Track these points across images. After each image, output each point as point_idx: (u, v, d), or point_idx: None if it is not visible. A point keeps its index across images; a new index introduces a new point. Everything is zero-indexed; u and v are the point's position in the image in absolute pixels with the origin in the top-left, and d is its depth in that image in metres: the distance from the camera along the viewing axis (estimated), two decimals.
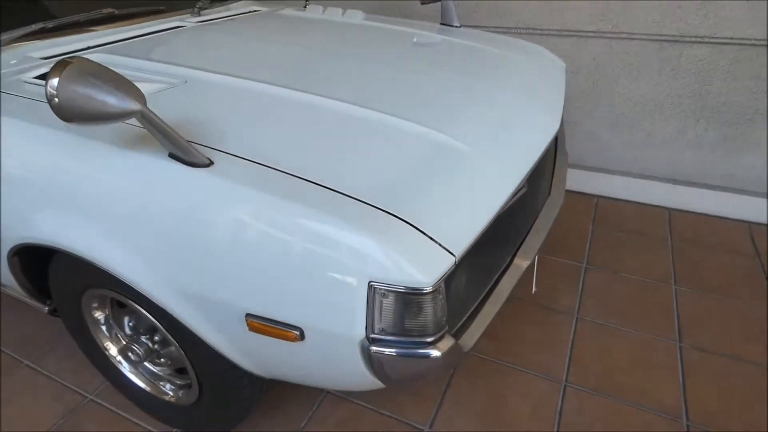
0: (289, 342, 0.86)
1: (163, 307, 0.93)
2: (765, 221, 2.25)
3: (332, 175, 0.86)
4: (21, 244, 1.06)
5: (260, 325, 0.86)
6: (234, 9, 1.95)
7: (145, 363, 1.33)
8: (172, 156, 0.88)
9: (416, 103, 1.13)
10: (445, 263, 0.79)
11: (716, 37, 2.05)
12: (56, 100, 0.75)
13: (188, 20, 1.70)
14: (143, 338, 1.25)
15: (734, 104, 2.14)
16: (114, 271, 0.93)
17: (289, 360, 0.91)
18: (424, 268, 0.77)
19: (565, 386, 1.46)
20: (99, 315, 1.27)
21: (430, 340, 0.82)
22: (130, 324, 1.27)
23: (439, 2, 2.03)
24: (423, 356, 0.81)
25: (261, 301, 0.84)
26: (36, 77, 1.16)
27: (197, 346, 1.03)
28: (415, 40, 1.66)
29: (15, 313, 1.77)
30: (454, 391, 1.45)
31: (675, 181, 2.37)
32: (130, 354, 1.25)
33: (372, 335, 0.81)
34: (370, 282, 0.77)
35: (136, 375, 1.33)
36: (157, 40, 1.46)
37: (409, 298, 0.77)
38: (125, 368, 1.33)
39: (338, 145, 0.96)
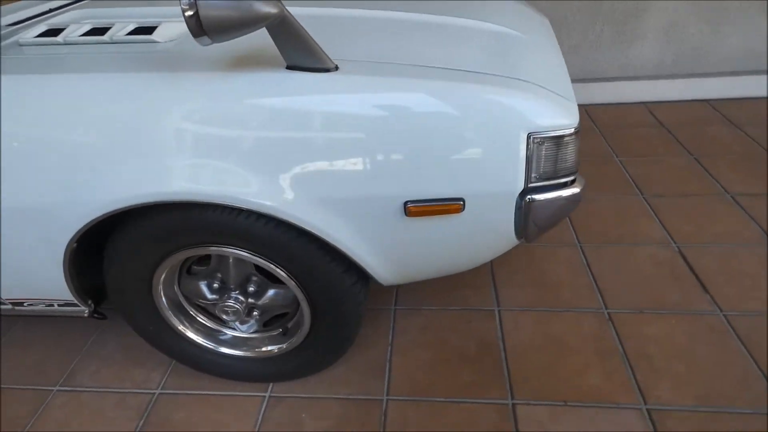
0: (450, 216, 0.93)
1: (308, 226, 0.93)
2: (658, 99, 2.76)
3: (449, 62, 0.94)
4: (106, 213, 0.95)
5: (422, 208, 0.92)
6: None
7: (236, 324, 1.28)
8: (291, 68, 0.88)
9: (462, 10, 1.24)
10: (575, 109, 0.93)
11: None
12: (193, 12, 0.72)
13: None
14: (232, 296, 1.20)
15: (622, 5, 2.57)
16: (253, 204, 0.90)
17: (441, 240, 0.99)
18: (568, 114, 0.90)
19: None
20: (170, 291, 1.19)
21: (572, 178, 0.96)
22: (215, 285, 1.21)
23: None
24: (571, 194, 0.95)
25: (422, 185, 0.90)
26: (39, 35, 1.02)
27: (316, 275, 1.04)
28: None
29: (7, 350, 1.53)
30: (502, 277, 1.62)
31: (585, 80, 2.77)
32: (221, 318, 1.20)
33: (529, 185, 0.92)
34: (529, 134, 0.87)
35: (227, 345, 1.28)
36: None
37: (561, 141, 0.90)
38: (212, 343, 1.28)
39: (429, 42, 1.03)
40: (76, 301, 1.19)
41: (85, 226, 0.97)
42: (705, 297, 1.48)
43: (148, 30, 1.02)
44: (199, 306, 1.28)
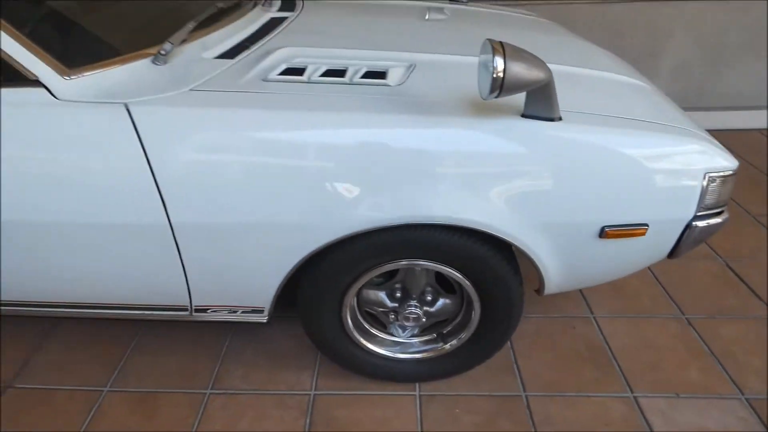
0: (634, 237, 1.14)
1: (520, 244, 1.11)
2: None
3: (625, 111, 1.15)
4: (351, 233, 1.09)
5: (617, 231, 1.12)
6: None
7: (396, 330, 1.43)
8: (525, 116, 1.06)
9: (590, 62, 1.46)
10: (730, 154, 1.17)
11: None
12: (500, 75, 0.90)
13: (268, 12, 1.68)
14: (412, 304, 1.35)
15: (639, 45, 2.90)
16: (481, 225, 1.08)
17: (618, 257, 1.19)
18: (731, 158, 1.13)
19: None
20: (353, 302, 1.33)
21: (724, 208, 1.19)
22: (397, 295, 1.36)
23: None
24: (722, 220, 1.19)
25: (620, 212, 1.10)
26: (281, 74, 1.14)
27: (498, 283, 1.22)
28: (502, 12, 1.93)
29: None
30: (587, 288, 1.85)
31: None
32: (403, 325, 1.35)
33: (696, 214, 1.15)
34: (705, 173, 1.10)
35: (401, 351, 1.43)
36: (302, 31, 1.47)
37: (727, 179, 1.13)
38: (391, 350, 1.42)
39: (593, 93, 1.24)
40: (262, 308, 1.30)
41: (329, 242, 1.10)
42: (759, 302, 1.77)
43: (380, 74, 1.17)
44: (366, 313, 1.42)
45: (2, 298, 1.29)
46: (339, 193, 1.05)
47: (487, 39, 0.94)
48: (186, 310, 1.32)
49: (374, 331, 1.43)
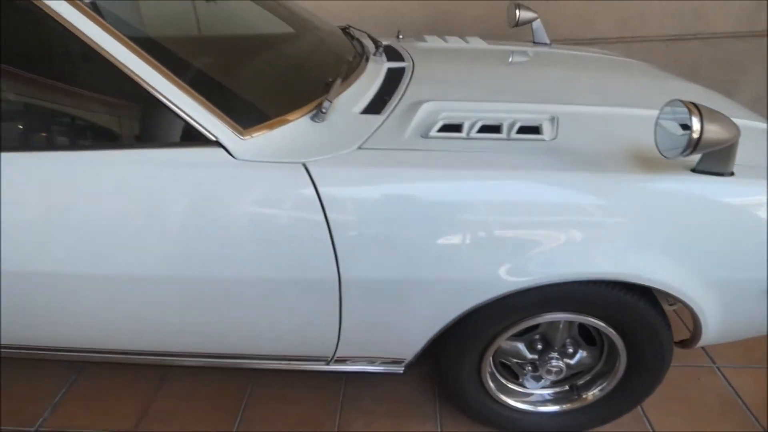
0: None
1: (688, 299, 1.09)
2: None
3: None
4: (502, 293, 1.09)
5: None
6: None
7: (528, 381, 1.40)
8: (697, 171, 1.05)
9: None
10: None
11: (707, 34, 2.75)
12: (697, 136, 0.89)
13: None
14: (552, 356, 1.32)
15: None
16: (652, 281, 1.06)
17: None
18: None
19: None
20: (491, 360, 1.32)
21: None
22: (538, 347, 1.34)
23: (529, 24, 2.32)
24: None
25: None
26: (439, 130, 1.16)
27: (649, 335, 1.19)
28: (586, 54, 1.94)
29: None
30: None
31: None
32: (537, 376, 1.32)
33: None
34: None
35: (533, 402, 1.41)
36: (427, 82, 1.50)
37: None
38: (523, 401, 1.40)
39: None
40: (403, 360, 1.29)
41: (493, 298, 1.09)
42: None
43: (534, 129, 1.18)
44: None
45: (157, 349, 1.31)
46: (510, 250, 1.05)
47: (678, 99, 0.94)
48: (325, 361, 1.32)
49: (508, 383, 1.41)
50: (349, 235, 1.05)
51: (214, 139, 1.06)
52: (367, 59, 1.65)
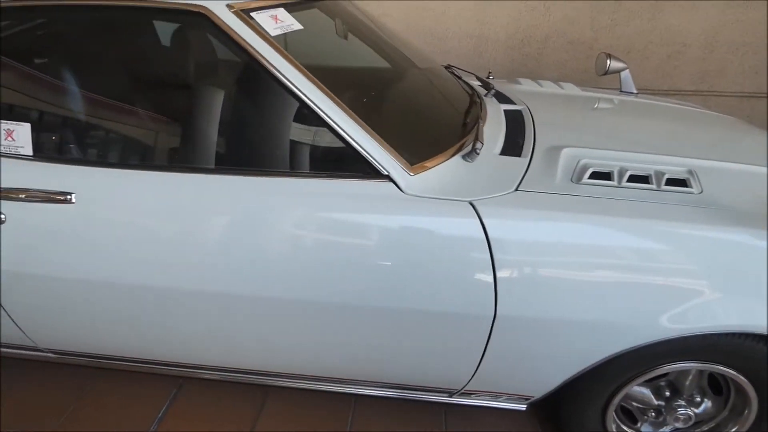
0: None
1: None
2: None
3: None
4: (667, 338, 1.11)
5: None
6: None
7: (647, 427, 1.40)
8: None
9: None
10: None
11: None
12: None
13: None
14: (680, 403, 1.32)
15: None
16: None
17: None
18: None
19: None
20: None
21: None
22: (666, 393, 1.35)
23: (617, 73, 2.39)
24: None
25: None
26: (589, 177, 1.21)
27: None
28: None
29: None
30: None
31: None
32: (657, 422, 1.32)
33: None
34: None
35: None
36: (552, 127, 1.55)
37: None
38: None
39: None
40: (530, 397, 1.31)
41: (639, 345, 1.11)
42: None
43: (681, 182, 1.22)
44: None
45: (280, 370, 1.35)
46: (673, 298, 1.08)
47: None
48: (450, 393, 1.34)
49: (624, 427, 1.40)
50: (511, 273, 1.09)
51: (386, 173, 1.12)
52: (480, 99, 1.73)
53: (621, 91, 2.33)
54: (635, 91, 2.32)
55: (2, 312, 1.30)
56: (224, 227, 1.14)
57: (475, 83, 1.93)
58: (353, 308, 1.16)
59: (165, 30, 1.25)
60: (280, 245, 1.13)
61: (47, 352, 1.45)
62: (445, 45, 2.83)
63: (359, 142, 1.11)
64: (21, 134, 1.19)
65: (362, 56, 1.63)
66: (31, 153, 1.19)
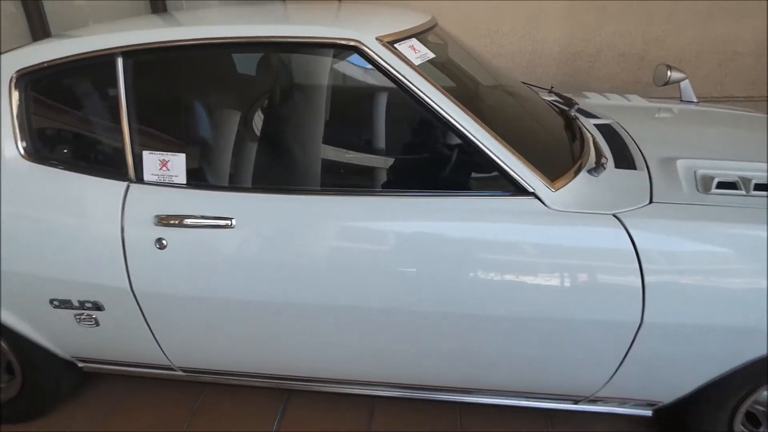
0: None
1: None
2: None
3: None
4: None
5: None
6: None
7: None
8: None
9: None
10: None
11: None
12: None
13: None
14: None
15: None
16: None
17: None
18: None
19: None
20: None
21: None
22: None
23: (677, 83, 2.46)
24: None
25: None
26: (719, 186, 1.27)
27: None
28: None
29: None
30: None
31: None
32: None
33: None
34: None
35: None
36: (652, 140, 1.61)
37: None
38: None
39: None
40: (658, 402, 1.35)
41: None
42: None
43: None
44: None
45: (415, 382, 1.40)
46: None
47: None
48: (575, 400, 1.39)
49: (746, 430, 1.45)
50: (658, 281, 1.14)
51: (531, 190, 1.18)
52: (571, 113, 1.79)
53: (681, 101, 2.39)
54: (695, 100, 2.38)
55: (149, 332, 1.36)
56: (387, 248, 1.20)
57: (549, 98, 2.00)
58: (506, 320, 1.21)
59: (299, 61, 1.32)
60: (442, 263, 1.19)
61: (178, 371, 1.50)
62: (498, 61, 2.90)
63: (505, 162, 1.18)
64: (176, 164, 1.26)
65: (473, 79, 1.71)
66: (184, 182, 1.26)
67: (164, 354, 1.42)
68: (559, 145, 1.43)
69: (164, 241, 1.23)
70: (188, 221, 1.22)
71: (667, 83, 2.35)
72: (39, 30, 3.11)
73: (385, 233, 1.20)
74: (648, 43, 2.83)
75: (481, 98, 1.32)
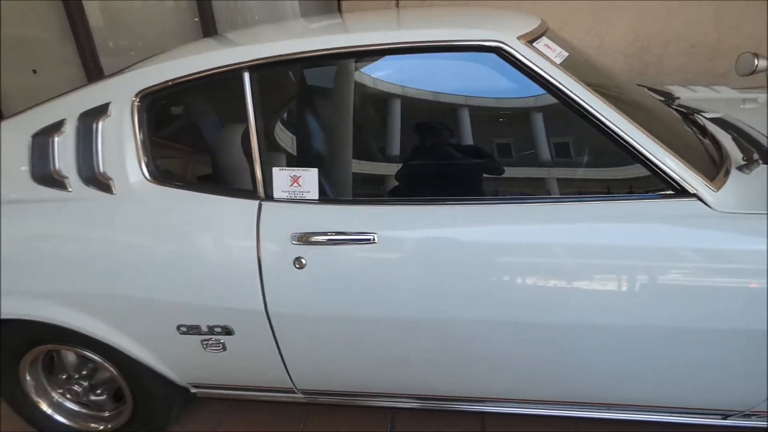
0: None
1: None
2: None
3: None
4: None
5: None
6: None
7: None
8: None
9: None
10: None
11: None
12: None
13: None
14: None
15: None
16: None
17: None
18: None
19: None
20: None
21: None
22: None
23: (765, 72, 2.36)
24: None
25: None
26: None
27: None
28: None
29: None
30: None
31: None
32: None
33: None
34: None
35: None
36: None
37: None
38: None
39: None
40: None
41: None
42: None
43: None
44: None
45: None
46: None
47: None
48: (726, 415, 1.30)
49: None
50: None
51: (693, 191, 1.11)
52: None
53: None
54: None
55: (278, 355, 1.31)
56: (547, 260, 1.13)
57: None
58: (679, 330, 1.13)
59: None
60: (608, 272, 1.12)
61: (299, 393, 1.45)
62: None
63: (664, 162, 1.10)
64: (307, 180, 1.21)
65: (602, 78, 1.65)
66: (316, 197, 1.21)
67: (289, 377, 1.37)
68: (698, 143, 1.35)
69: (303, 260, 1.18)
70: (330, 238, 1.16)
71: (754, 72, 2.25)
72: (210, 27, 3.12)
73: (543, 245, 1.13)
74: (721, 32, 2.73)
75: (617, 98, 1.25)
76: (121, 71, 1.37)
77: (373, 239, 1.15)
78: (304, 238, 1.17)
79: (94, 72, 3.33)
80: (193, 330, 1.28)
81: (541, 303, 1.14)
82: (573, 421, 1.64)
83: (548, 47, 1.20)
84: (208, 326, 1.27)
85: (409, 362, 1.29)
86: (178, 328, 1.28)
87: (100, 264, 1.23)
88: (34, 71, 3.45)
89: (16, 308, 1.33)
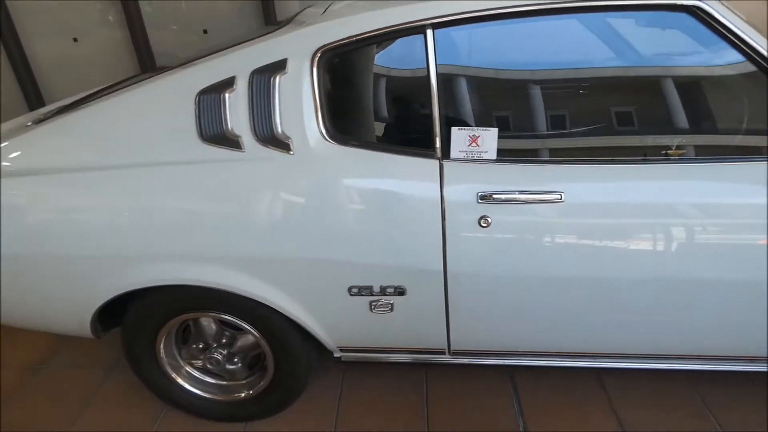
0: None
1: None
2: None
3: None
4: None
5: None
6: None
7: None
8: None
9: None
10: None
11: None
12: None
13: None
14: None
15: None
16: None
17: None
18: None
19: None
20: None
21: None
22: None
23: None
24: None
25: None
26: None
27: None
28: None
29: None
30: None
31: None
32: None
33: None
34: None
35: None
36: None
37: None
38: None
39: None
40: None
41: None
42: None
43: None
44: None
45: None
46: None
47: None
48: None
49: None
50: None
51: None
52: None
53: None
54: None
55: (443, 315, 1.32)
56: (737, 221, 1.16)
57: None
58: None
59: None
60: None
61: (448, 355, 1.45)
62: None
63: None
64: (486, 139, 1.20)
65: None
66: (494, 157, 1.21)
67: (447, 337, 1.38)
68: None
69: (489, 219, 1.18)
70: (516, 197, 1.17)
71: None
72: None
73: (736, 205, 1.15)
74: None
75: None
76: (283, 28, 1.33)
77: (561, 197, 1.16)
78: (490, 198, 1.18)
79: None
80: (364, 291, 1.28)
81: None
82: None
83: (730, 9, 1.21)
84: (381, 287, 1.27)
85: (579, 322, 1.30)
86: (350, 289, 1.28)
87: (275, 225, 1.22)
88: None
89: (171, 273, 1.30)
